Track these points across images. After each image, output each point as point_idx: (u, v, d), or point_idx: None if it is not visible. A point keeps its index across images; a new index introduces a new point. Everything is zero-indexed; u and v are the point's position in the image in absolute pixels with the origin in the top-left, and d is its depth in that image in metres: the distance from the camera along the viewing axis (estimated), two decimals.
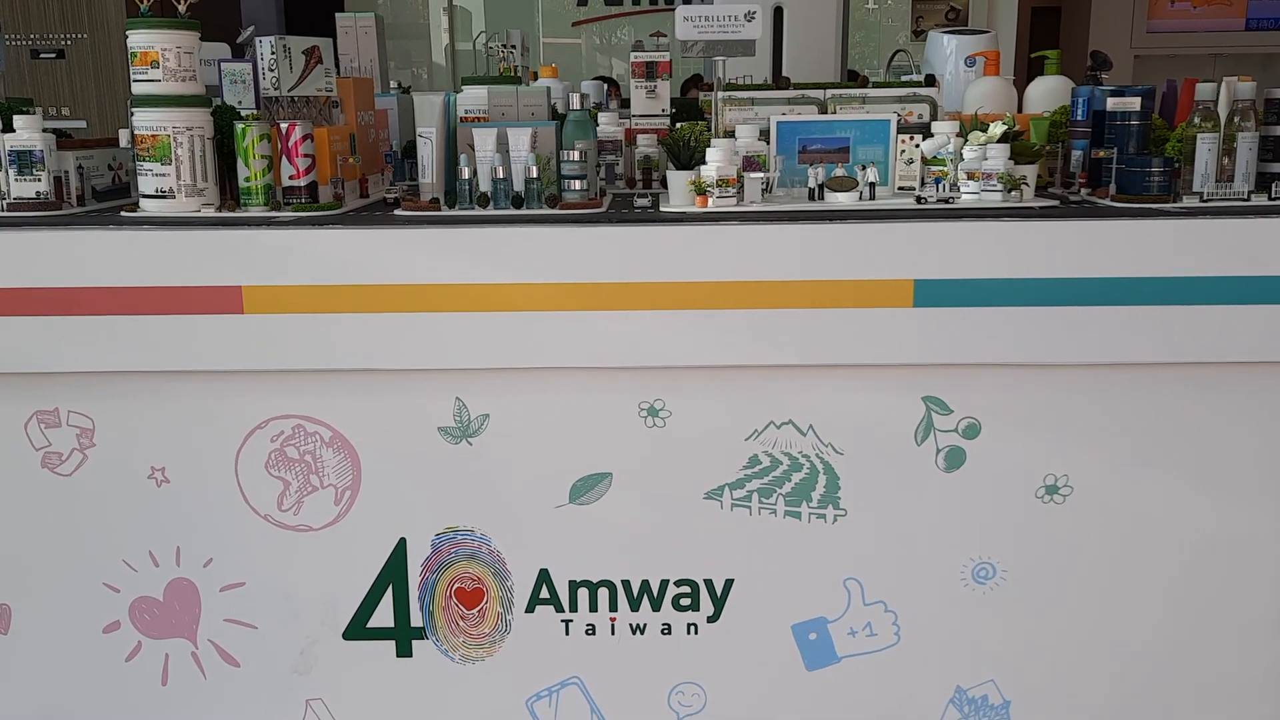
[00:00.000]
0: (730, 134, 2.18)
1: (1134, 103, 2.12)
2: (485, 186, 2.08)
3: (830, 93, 2.45)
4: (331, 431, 2.08)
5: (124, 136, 2.28)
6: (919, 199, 2.07)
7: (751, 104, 2.37)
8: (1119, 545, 2.09)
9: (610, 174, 2.47)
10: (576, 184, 2.08)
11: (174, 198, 2.06)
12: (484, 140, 2.08)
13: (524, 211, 2.05)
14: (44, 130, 2.13)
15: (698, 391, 2.04)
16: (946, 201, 2.05)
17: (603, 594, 2.14)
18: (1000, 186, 2.03)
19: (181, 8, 2.08)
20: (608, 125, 2.48)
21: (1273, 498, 2.06)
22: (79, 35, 5.03)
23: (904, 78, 2.94)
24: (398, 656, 2.18)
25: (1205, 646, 2.14)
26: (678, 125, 2.24)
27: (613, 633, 2.17)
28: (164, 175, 2.05)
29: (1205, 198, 2.02)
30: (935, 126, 2.14)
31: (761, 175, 2.09)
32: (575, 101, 2.24)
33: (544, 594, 2.15)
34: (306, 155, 2.07)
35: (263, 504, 2.11)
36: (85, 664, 2.20)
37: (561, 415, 2.05)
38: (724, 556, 2.12)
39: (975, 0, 6.59)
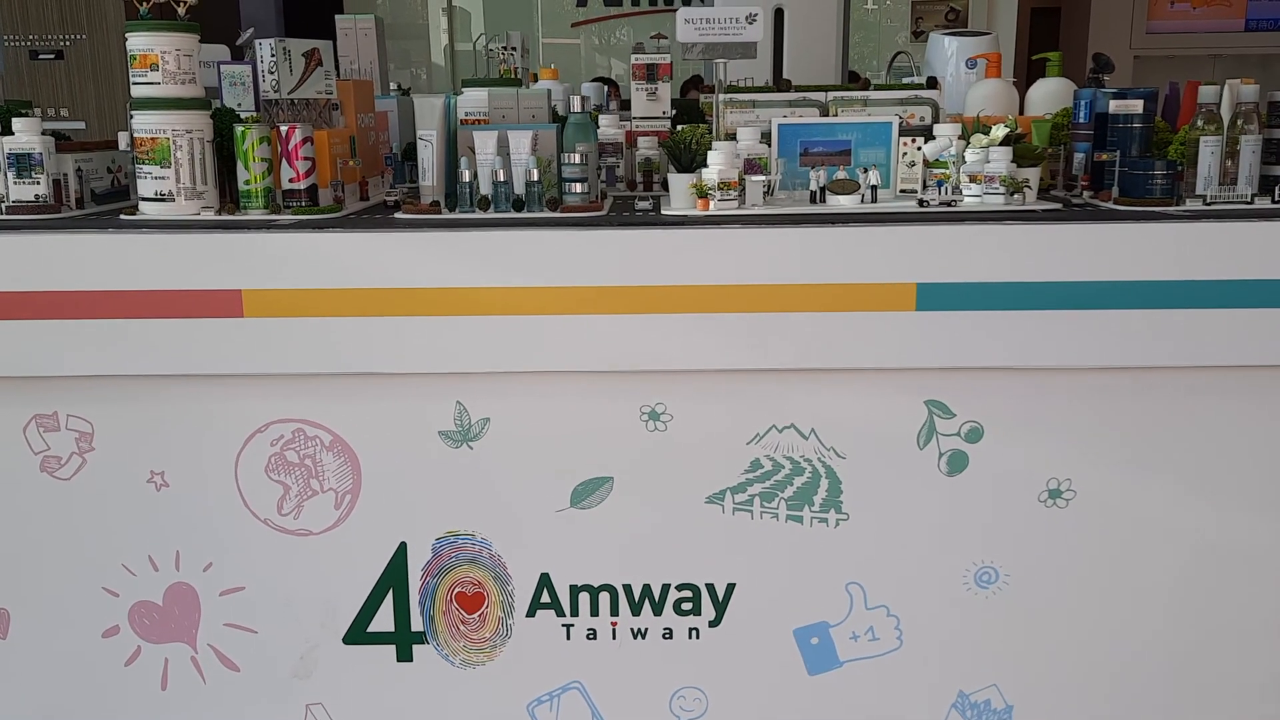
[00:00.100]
0: (731, 137, 2.17)
1: (1136, 105, 2.12)
2: (486, 189, 2.07)
3: (832, 95, 2.44)
4: (332, 435, 2.07)
5: (123, 139, 2.27)
6: (921, 202, 2.06)
7: (753, 106, 2.37)
8: (1122, 549, 2.08)
9: (611, 176, 2.46)
10: (577, 187, 2.08)
11: (173, 201, 2.06)
12: (485, 143, 2.07)
13: (525, 214, 2.04)
14: (43, 133, 2.12)
15: (699, 395, 2.03)
16: (949, 204, 2.05)
17: (604, 598, 2.14)
18: (1003, 189, 2.03)
19: (181, 10, 2.08)
20: (608, 128, 2.47)
21: (1277, 502, 2.06)
22: (77, 36, 5.02)
23: (905, 79, 2.93)
24: (398, 661, 2.18)
25: (1208, 651, 2.13)
26: (679, 128, 2.24)
27: (614, 637, 2.16)
28: (163, 178, 2.05)
29: (1208, 201, 2.02)
30: (937, 129, 2.14)
31: (763, 178, 2.08)
32: (576, 104, 2.23)
33: (545, 598, 2.14)
34: (306, 158, 2.06)
35: (263, 508, 2.10)
36: (84, 669, 2.19)
37: (563, 419, 2.05)
38: (726, 561, 2.12)
39: (975, 1, 6.60)
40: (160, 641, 2.18)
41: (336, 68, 2.38)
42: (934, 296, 1.92)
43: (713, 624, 2.15)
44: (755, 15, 2.16)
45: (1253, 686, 2.15)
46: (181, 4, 2.08)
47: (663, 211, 2.07)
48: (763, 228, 1.93)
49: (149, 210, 2.07)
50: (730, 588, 2.13)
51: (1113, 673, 2.15)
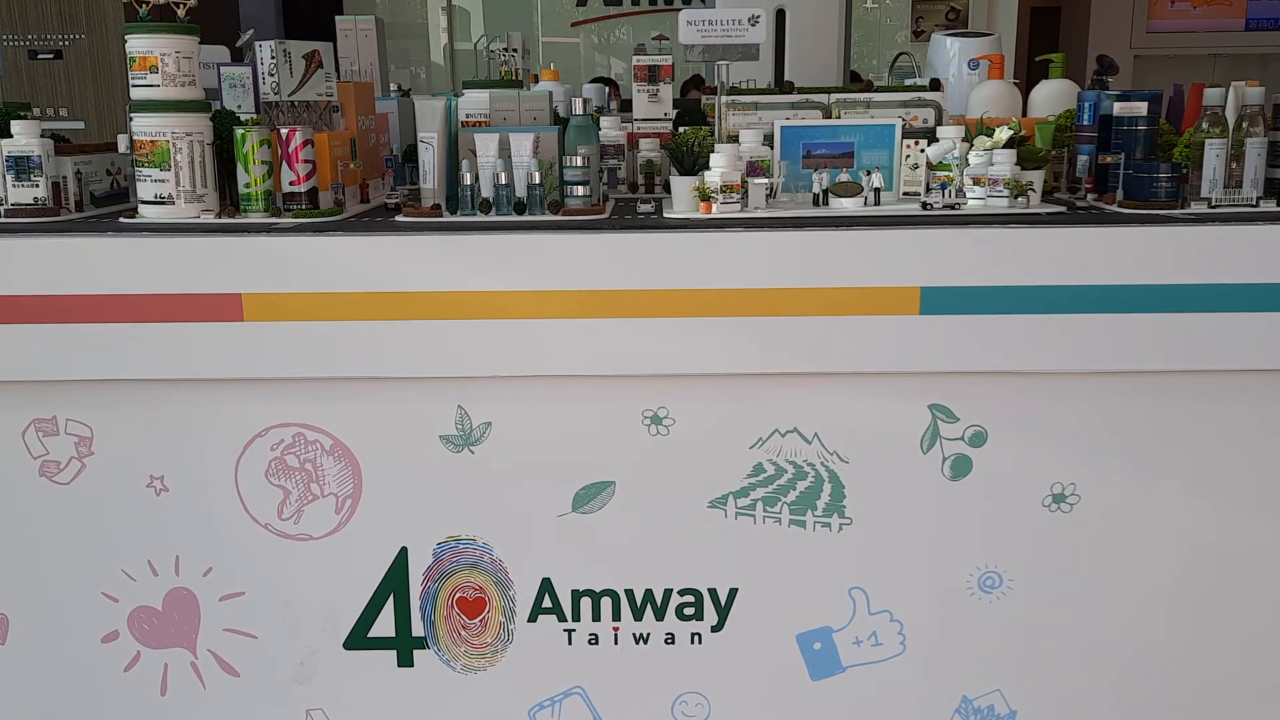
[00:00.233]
0: (734, 139, 2.16)
1: (1140, 108, 2.10)
2: (487, 192, 2.06)
3: (834, 97, 2.43)
4: (332, 440, 2.06)
5: (122, 142, 2.26)
6: (925, 204, 2.05)
7: (755, 109, 2.35)
8: (1126, 554, 2.07)
9: (613, 179, 2.45)
10: (579, 190, 2.07)
11: (173, 204, 2.05)
12: (486, 145, 2.06)
13: (526, 218, 2.03)
14: (42, 134, 2.11)
15: (701, 399, 2.02)
16: (953, 207, 2.03)
17: (605, 603, 2.13)
18: (1006, 192, 2.01)
19: (180, 12, 2.06)
20: (610, 130, 2.46)
21: None
22: (76, 36, 5.01)
23: (907, 81, 2.92)
24: (399, 666, 2.17)
25: (1211, 656, 2.12)
26: (680, 130, 2.23)
27: (616, 642, 2.15)
28: (163, 181, 2.03)
29: (1214, 204, 2.01)
30: (940, 131, 2.12)
31: (765, 180, 2.07)
32: (577, 106, 2.22)
33: (546, 603, 2.13)
34: (307, 161, 2.05)
35: (263, 513, 2.09)
36: (83, 674, 2.18)
37: (564, 423, 2.04)
38: (728, 565, 2.11)
39: (975, 1, 6.58)
40: (160, 647, 2.17)
41: (337, 69, 2.37)
42: (938, 300, 1.91)
43: (715, 629, 2.14)
44: (758, 17, 2.15)
45: (1255, 693, 2.14)
46: (181, 6, 2.07)
47: (665, 214, 2.06)
48: (765, 231, 1.92)
49: (148, 213, 2.05)
50: (733, 592, 2.12)
51: (1117, 678, 2.14)
